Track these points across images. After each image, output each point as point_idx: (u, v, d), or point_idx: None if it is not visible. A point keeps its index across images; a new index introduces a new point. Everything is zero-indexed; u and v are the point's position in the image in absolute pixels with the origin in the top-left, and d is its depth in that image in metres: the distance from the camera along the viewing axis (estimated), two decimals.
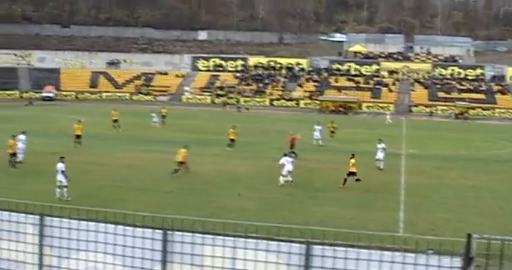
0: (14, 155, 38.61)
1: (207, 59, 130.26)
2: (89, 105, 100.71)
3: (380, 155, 42.90)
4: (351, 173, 35.18)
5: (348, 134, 47.94)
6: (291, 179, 35.18)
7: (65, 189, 29.97)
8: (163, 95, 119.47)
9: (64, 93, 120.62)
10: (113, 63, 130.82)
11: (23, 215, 12.16)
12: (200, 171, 38.41)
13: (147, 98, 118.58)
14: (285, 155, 36.76)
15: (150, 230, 11.41)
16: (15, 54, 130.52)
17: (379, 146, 43.36)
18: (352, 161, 35.51)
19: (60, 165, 30.51)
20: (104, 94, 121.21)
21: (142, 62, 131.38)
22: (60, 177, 30.13)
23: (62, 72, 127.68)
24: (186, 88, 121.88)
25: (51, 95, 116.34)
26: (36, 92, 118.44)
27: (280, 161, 35.73)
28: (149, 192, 31.53)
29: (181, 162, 37.08)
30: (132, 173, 37.34)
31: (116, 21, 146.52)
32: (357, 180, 34.94)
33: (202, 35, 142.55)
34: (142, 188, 32.60)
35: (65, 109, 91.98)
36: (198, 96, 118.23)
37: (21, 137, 42.59)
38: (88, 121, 65.78)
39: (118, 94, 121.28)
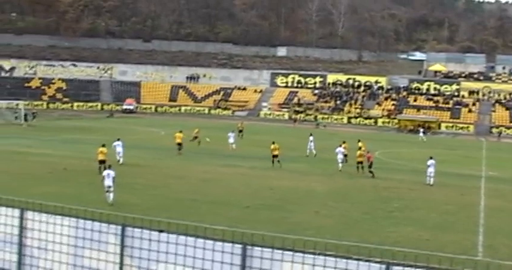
0: (103, 162, 39.20)
1: (285, 75, 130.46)
2: (168, 119, 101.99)
3: (430, 170, 42.06)
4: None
5: (427, 154, 47.20)
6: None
7: (111, 194, 30.86)
8: (242, 110, 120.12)
9: (144, 106, 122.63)
10: (192, 78, 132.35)
11: (106, 224, 12.35)
12: (276, 187, 38.31)
13: (226, 112, 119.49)
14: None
15: (230, 245, 11.42)
16: (98, 68, 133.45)
17: (429, 162, 42.47)
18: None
19: (111, 172, 31.40)
20: (183, 108, 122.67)
21: (222, 77, 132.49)
22: (108, 182, 30.94)
23: (142, 85, 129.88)
24: (264, 104, 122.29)
25: (131, 107, 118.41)
26: (117, 105, 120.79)
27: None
28: (226, 207, 31.58)
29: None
30: (209, 187, 37.50)
31: (196, 36, 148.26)
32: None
33: (282, 51, 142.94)
34: (219, 202, 32.69)
35: (145, 122, 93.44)
36: (276, 112, 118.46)
37: (118, 142, 46.10)
38: (167, 134, 66.76)
39: (197, 108, 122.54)
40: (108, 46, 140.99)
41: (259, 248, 11.26)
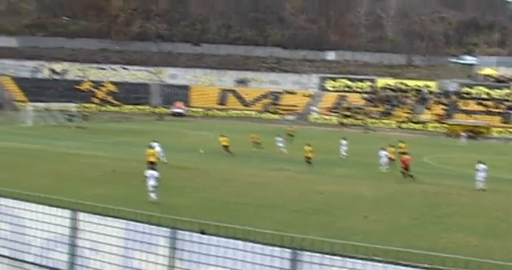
0: (152, 163, 39.40)
1: (334, 79, 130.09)
2: (216, 122, 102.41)
3: (480, 175, 41.35)
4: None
5: (477, 159, 46.48)
6: None
7: (154, 194, 31.60)
8: (291, 114, 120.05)
9: (193, 109, 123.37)
10: (241, 82, 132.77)
11: (156, 227, 12.41)
12: (325, 191, 38.15)
13: (275, 116, 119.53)
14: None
15: (279, 249, 11.38)
16: (148, 71, 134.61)
17: (479, 167, 41.71)
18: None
19: (155, 173, 32.21)
20: (232, 111, 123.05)
21: (271, 81, 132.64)
22: (152, 182, 31.65)
23: (191, 89, 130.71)
24: (313, 108, 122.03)
25: (181, 110, 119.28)
26: (166, 108, 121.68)
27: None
28: (274, 210, 31.53)
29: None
30: (258, 190, 37.49)
31: (245, 40, 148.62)
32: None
33: (331, 55, 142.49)
34: (268, 206, 32.64)
35: (194, 125, 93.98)
36: (325, 116, 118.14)
37: (155, 144, 46.82)
38: (216, 137, 66.97)
39: (246, 112, 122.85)
40: (158, 50, 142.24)
41: (309, 253, 11.20)
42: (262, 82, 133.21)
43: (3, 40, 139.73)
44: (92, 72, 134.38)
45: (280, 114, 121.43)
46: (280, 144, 61.39)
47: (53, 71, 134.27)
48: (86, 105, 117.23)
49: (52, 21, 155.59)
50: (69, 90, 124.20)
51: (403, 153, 49.47)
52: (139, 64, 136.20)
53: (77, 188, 34.34)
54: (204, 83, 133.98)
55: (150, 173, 32.39)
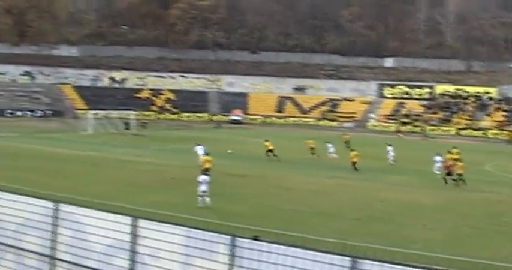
0: (208, 169, 39.64)
1: (393, 86, 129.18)
2: (275, 129, 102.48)
3: None
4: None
5: None
6: None
7: (207, 198, 32.09)
8: (349, 121, 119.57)
9: (251, 116, 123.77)
10: (299, 89, 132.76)
11: (216, 234, 12.45)
12: (384, 199, 37.84)
13: (333, 124, 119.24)
14: None
15: (339, 257, 11.29)
16: (206, 79, 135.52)
17: None
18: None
19: (207, 178, 33.07)
20: (290, 119, 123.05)
21: (329, 88, 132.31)
22: (204, 187, 32.25)
23: (250, 96, 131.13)
24: (372, 115, 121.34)
25: (239, 118, 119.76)
26: (224, 115, 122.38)
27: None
28: (334, 218, 31.37)
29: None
30: (318, 198, 37.34)
31: (303, 47, 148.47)
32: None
33: (389, 62, 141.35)
34: (327, 214, 32.49)
35: (252, 132, 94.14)
36: (384, 124, 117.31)
37: (200, 147, 50.74)
38: (274, 145, 67.05)
39: (304, 119, 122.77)
40: (215, 58, 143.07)
41: (369, 261, 11.08)
42: (320, 89, 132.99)
43: (65, 49, 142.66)
44: (151, 81, 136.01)
45: (338, 121, 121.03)
46: (331, 150, 61.84)
47: (113, 80, 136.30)
48: (145, 113, 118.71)
49: (111, 30, 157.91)
50: (129, 98, 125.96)
51: (456, 159, 48.91)
52: (197, 72, 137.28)
53: (136, 195, 34.71)
54: (262, 91, 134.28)
55: (202, 178, 32.90)
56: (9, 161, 47.81)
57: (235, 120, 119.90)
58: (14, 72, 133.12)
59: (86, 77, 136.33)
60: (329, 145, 62.56)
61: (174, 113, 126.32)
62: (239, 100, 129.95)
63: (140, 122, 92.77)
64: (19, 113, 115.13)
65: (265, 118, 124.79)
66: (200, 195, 32.27)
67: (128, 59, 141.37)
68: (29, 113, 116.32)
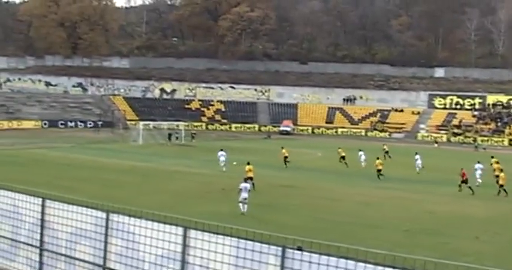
0: (251, 178, 40.35)
1: (443, 96, 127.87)
2: (324, 140, 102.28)
3: None
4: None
5: None
6: None
7: (245, 205, 33.08)
8: (399, 132, 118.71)
9: (301, 127, 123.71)
10: (349, 100, 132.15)
11: (266, 245, 12.45)
12: (435, 211, 37.44)
13: (382, 134, 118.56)
14: None
15: (390, 269, 11.21)
16: (255, 90, 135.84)
17: None
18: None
19: (248, 185, 34.18)
20: (340, 130, 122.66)
21: (378, 99, 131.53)
22: (245, 194, 33.17)
23: (299, 107, 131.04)
24: (422, 126, 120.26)
25: (288, 129, 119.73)
26: (274, 126, 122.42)
27: None
28: (383, 230, 31.14)
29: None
30: (366, 210, 37.13)
31: (352, 58, 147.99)
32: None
33: (439, 72, 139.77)
34: (376, 225, 32.28)
35: (301, 143, 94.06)
36: (434, 134, 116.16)
37: (222, 153, 55.34)
38: (323, 156, 67.11)
39: (353, 130, 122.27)
40: (265, 68, 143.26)
41: None
42: (369, 100, 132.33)
43: (116, 61, 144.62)
44: (200, 92, 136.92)
45: (388, 132, 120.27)
46: (363, 158, 63.23)
47: (163, 91, 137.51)
48: (195, 123, 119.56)
49: (162, 42, 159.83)
50: (178, 109, 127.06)
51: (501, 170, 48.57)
52: (246, 83, 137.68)
53: (187, 205, 34.93)
54: (312, 102, 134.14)
55: (243, 185, 33.64)
56: (62, 171, 48.57)
57: (284, 131, 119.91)
58: (66, 83, 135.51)
59: (136, 88, 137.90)
60: (361, 153, 64.02)
61: (223, 124, 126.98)
62: (288, 111, 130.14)
63: (189, 133, 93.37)
64: (71, 124, 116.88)
65: (314, 129, 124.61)
66: (241, 202, 33.18)
67: (177, 70, 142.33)
68: (80, 123, 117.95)
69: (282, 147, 61.75)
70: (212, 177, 48.78)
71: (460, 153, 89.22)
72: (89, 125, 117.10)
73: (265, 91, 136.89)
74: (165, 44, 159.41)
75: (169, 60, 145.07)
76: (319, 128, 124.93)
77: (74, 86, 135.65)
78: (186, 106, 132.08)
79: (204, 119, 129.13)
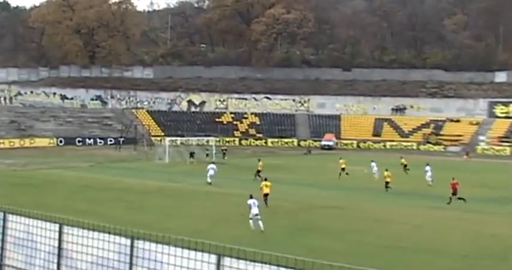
0: (266, 195, 42.71)
1: (506, 104, 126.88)
2: (371, 155, 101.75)
3: None
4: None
5: None
6: None
7: (260, 222, 34.19)
8: (455, 145, 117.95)
9: (344, 141, 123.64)
10: (398, 109, 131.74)
11: None
12: (498, 233, 37.06)
13: (436, 148, 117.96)
14: None
15: None
16: (293, 100, 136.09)
17: None
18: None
19: (256, 201, 35.54)
20: (388, 143, 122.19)
21: (431, 108, 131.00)
22: (255, 210, 34.60)
23: (342, 118, 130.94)
24: (482, 137, 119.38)
25: (331, 143, 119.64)
26: (314, 140, 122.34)
27: None
28: (440, 256, 30.93)
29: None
30: (420, 233, 36.88)
31: (401, 63, 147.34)
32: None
33: (501, 77, 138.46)
34: (433, 250, 32.05)
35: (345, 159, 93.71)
36: (496, 147, 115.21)
37: (212, 166, 59.74)
38: (369, 173, 66.96)
39: (403, 144, 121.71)
40: (303, 76, 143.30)
41: None
42: (421, 109, 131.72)
43: (138, 71, 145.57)
44: (232, 103, 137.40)
45: (443, 145, 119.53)
46: (375, 169, 67.03)
47: (191, 103, 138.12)
48: (227, 139, 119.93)
49: (189, 49, 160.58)
50: (208, 123, 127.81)
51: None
52: (283, 93, 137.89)
53: (219, 229, 35.02)
54: (357, 112, 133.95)
55: (251, 201, 35.24)
56: (80, 193, 49.02)
57: (326, 145, 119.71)
58: (83, 96, 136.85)
59: (161, 100, 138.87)
60: (373, 164, 68.00)
61: (258, 139, 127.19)
62: (330, 123, 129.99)
63: (220, 149, 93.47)
64: (89, 141, 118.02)
65: (360, 143, 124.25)
66: (252, 219, 34.46)
67: (207, 80, 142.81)
68: (100, 140, 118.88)
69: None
70: (246, 198, 48.74)
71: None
72: (109, 142, 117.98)
73: (305, 101, 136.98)
74: (193, 51, 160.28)
75: (197, 69, 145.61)
76: (365, 142, 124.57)
77: (92, 99, 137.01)
78: (217, 120, 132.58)
79: (237, 133, 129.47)
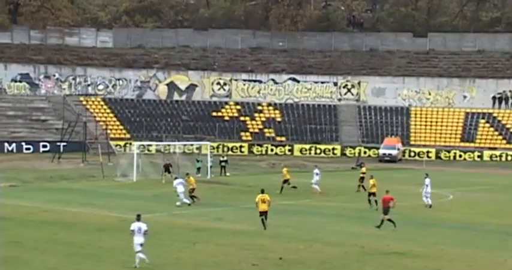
0: (263, 213, 48.18)
1: None
2: (459, 172, 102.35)
3: None
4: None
5: None
6: None
7: (141, 254, 36.60)
8: None
9: (415, 149, 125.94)
10: (504, 99, 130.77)
11: None
12: None
13: None
14: None
15: None
16: (335, 84, 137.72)
17: None
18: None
19: (138, 225, 37.38)
20: (487, 152, 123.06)
21: None
22: (138, 239, 36.87)
23: (412, 113, 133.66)
24: None
25: (394, 152, 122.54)
26: (368, 148, 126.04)
27: None
28: None
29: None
30: None
31: (510, 24, 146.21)
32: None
33: None
34: None
35: (416, 178, 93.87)
36: None
37: (180, 180, 65.27)
38: (457, 200, 67.41)
39: (510, 153, 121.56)
40: (351, 46, 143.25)
41: None
42: None
43: (90, 36, 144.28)
44: (239, 88, 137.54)
45: None
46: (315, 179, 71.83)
47: (173, 88, 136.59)
48: (230, 144, 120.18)
49: (170, 2, 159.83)
50: (201, 120, 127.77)
51: None
52: (319, 73, 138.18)
53: None
54: (435, 104, 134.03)
55: (136, 225, 36.96)
56: None
57: (387, 155, 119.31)
58: (0, 75, 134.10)
59: (126, 83, 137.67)
60: (316, 171, 72.89)
61: (279, 145, 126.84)
62: (393, 120, 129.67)
63: (219, 161, 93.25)
64: (10, 147, 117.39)
65: (440, 152, 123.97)
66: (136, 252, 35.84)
67: (198, 51, 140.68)
68: (27, 146, 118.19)
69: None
70: (260, 238, 48.59)
71: None
72: (42, 149, 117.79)
73: (353, 86, 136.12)
74: (176, 4, 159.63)
75: (183, 34, 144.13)
76: (449, 151, 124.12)
77: (14, 81, 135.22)
78: (214, 114, 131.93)
79: (246, 136, 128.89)
